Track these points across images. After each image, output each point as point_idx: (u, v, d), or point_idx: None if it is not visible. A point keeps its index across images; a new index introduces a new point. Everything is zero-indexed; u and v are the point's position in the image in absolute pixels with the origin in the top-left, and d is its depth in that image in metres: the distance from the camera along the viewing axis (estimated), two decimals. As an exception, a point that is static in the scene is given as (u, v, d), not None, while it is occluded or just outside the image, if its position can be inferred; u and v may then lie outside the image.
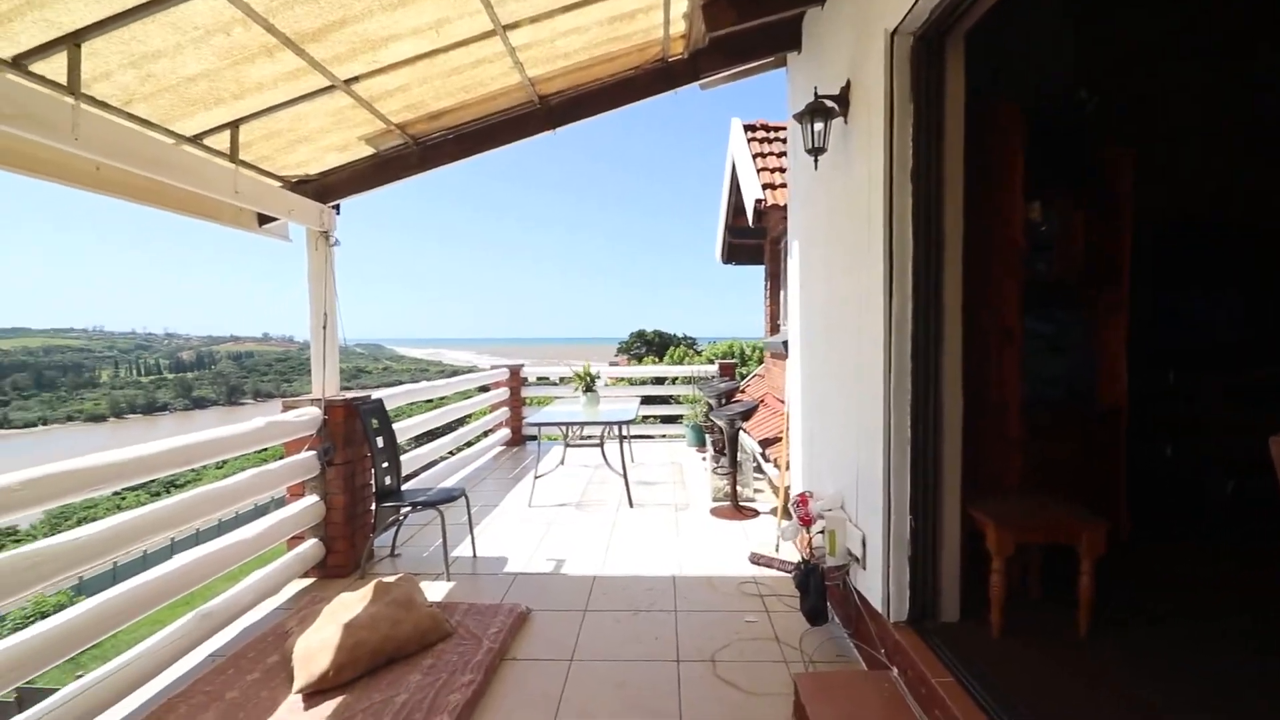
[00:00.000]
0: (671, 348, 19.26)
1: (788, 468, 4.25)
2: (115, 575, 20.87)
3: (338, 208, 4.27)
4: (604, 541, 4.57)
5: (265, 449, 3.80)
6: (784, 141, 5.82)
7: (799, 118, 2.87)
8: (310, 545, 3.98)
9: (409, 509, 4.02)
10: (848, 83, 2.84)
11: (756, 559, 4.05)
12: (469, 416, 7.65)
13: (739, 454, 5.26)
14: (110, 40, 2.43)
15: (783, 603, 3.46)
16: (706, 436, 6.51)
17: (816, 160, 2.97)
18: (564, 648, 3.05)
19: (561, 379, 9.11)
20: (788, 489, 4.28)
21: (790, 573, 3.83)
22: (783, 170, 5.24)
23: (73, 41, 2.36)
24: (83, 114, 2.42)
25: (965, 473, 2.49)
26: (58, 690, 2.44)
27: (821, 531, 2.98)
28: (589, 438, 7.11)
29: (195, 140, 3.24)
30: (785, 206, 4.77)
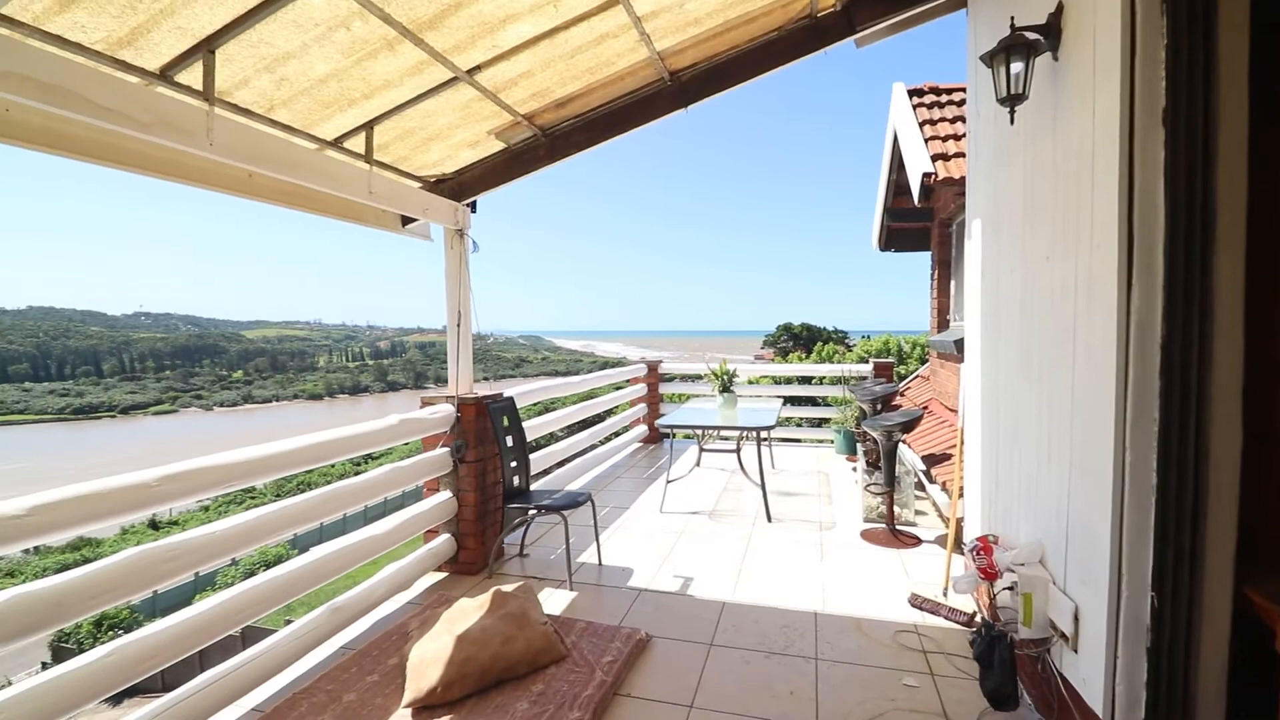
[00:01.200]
0: (820, 344, 18.09)
1: (960, 495, 3.52)
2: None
3: (473, 206, 4.23)
4: (737, 560, 4.13)
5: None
6: (959, 104, 4.94)
7: (989, 59, 2.22)
8: (442, 541, 3.98)
9: (532, 513, 3.87)
10: (1059, 5, 2.14)
11: (919, 602, 3.39)
12: (605, 413, 7.55)
13: (897, 468, 4.55)
14: (241, 44, 2.43)
15: (952, 664, 2.81)
16: (859, 445, 5.80)
17: (1013, 113, 2.30)
18: (684, 688, 2.67)
19: (698, 375, 8.75)
20: (959, 521, 3.55)
21: (962, 624, 3.14)
22: (957, 138, 4.41)
23: (207, 48, 2.38)
24: (216, 120, 2.45)
25: (1241, 537, 1.74)
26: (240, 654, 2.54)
27: (1011, 588, 2.32)
28: (726, 438, 6.67)
29: (336, 144, 3.28)
30: (961, 180, 3.98)
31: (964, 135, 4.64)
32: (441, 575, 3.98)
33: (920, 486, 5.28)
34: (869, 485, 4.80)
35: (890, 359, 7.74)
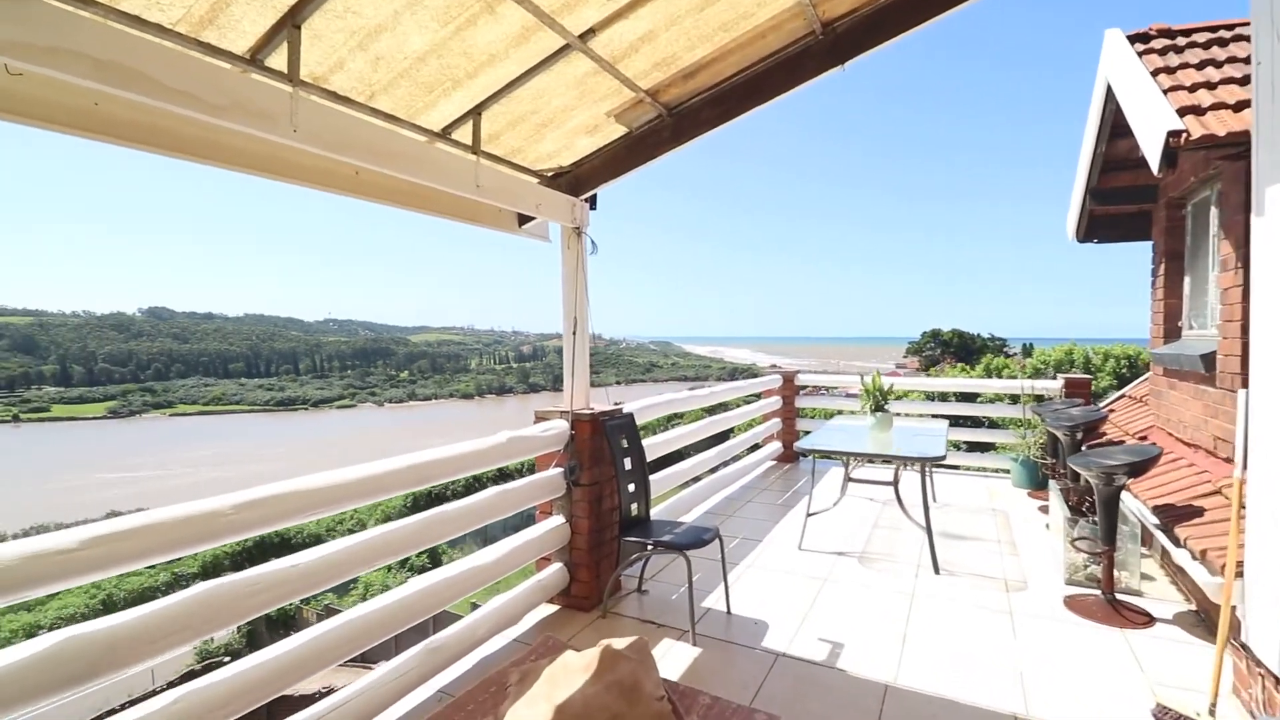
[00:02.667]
0: (980, 354, 16.04)
1: (1238, 575, 2.48)
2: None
3: (592, 202, 3.80)
4: (898, 623, 3.32)
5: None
6: (1204, 47, 3.72)
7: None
8: (554, 571, 3.56)
9: (650, 549, 3.33)
10: None
11: (1170, 719, 2.41)
12: (734, 429, 6.88)
13: (1117, 520, 3.47)
14: (326, 16, 2.13)
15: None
16: (1051, 481, 4.68)
17: None
18: (840, 819, 1.99)
19: (829, 386, 7.79)
20: (1234, 612, 2.50)
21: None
22: (1210, 86, 3.26)
23: (291, 23, 2.10)
24: (302, 103, 2.16)
25: None
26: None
27: None
28: (879, 464, 5.75)
29: (444, 135, 2.96)
30: (1227, 138, 2.91)
31: (1217, 84, 3.48)
32: (553, 609, 3.56)
33: (1144, 541, 4.09)
34: (1076, 539, 3.74)
35: (1084, 375, 6.34)
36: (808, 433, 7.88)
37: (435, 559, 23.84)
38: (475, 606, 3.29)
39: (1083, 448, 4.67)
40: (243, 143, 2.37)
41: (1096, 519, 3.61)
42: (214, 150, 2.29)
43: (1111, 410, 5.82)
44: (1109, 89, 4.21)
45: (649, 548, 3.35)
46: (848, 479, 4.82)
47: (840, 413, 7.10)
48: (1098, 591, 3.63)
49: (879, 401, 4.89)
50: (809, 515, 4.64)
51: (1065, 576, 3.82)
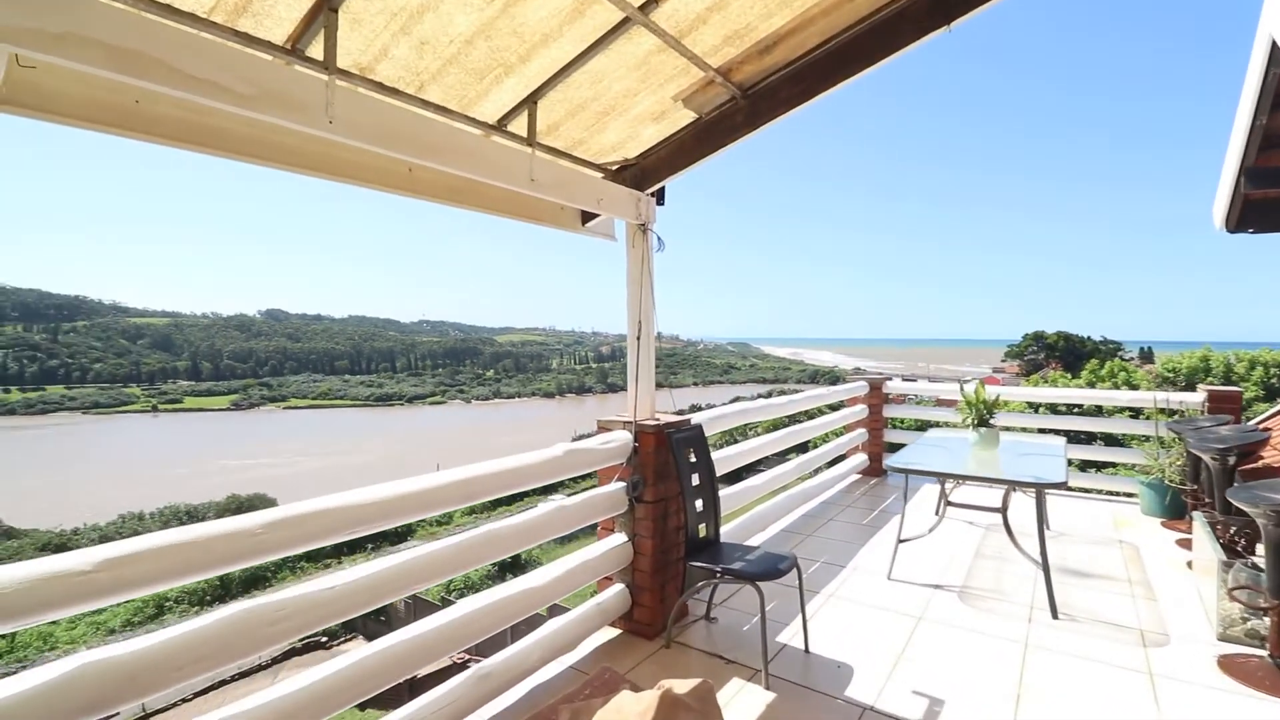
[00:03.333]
0: (1094, 360, 14.50)
1: None
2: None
3: (659, 196, 3.51)
4: (1010, 679, 2.82)
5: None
6: None
7: None
8: (615, 593, 3.30)
9: (718, 577, 3.00)
10: None
11: None
12: (813, 441, 6.39)
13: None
14: (363, -5, 1.95)
15: None
16: (1195, 512, 3.97)
17: None
18: None
19: (921, 396, 7.11)
20: None
21: None
22: None
23: (327, 6, 1.94)
24: (339, 92, 2.00)
25: None
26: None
27: None
28: (984, 486, 5.13)
29: (499, 128, 2.77)
30: None
31: None
32: (613, 634, 3.30)
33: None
34: (1233, 588, 3.08)
35: (1229, 388, 5.43)
36: (897, 446, 7.28)
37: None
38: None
39: (1236, 475, 3.93)
40: (297, 141, 2.25)
41: (1260, 563, 2.96)
42: (263, 149, 2.18)
43: (1266, 428, 4.92)
44: (1273, 47, 3.48)
45: (717, 575, 3.02)
46: (946, 501, 4.28)
47: (935, 425, 6.47)
48: (1262, 652, 2.97)
49: (983, 415, 4.32)
50: (900, 541, 4.15)
51: (1218, 631, 3.17)
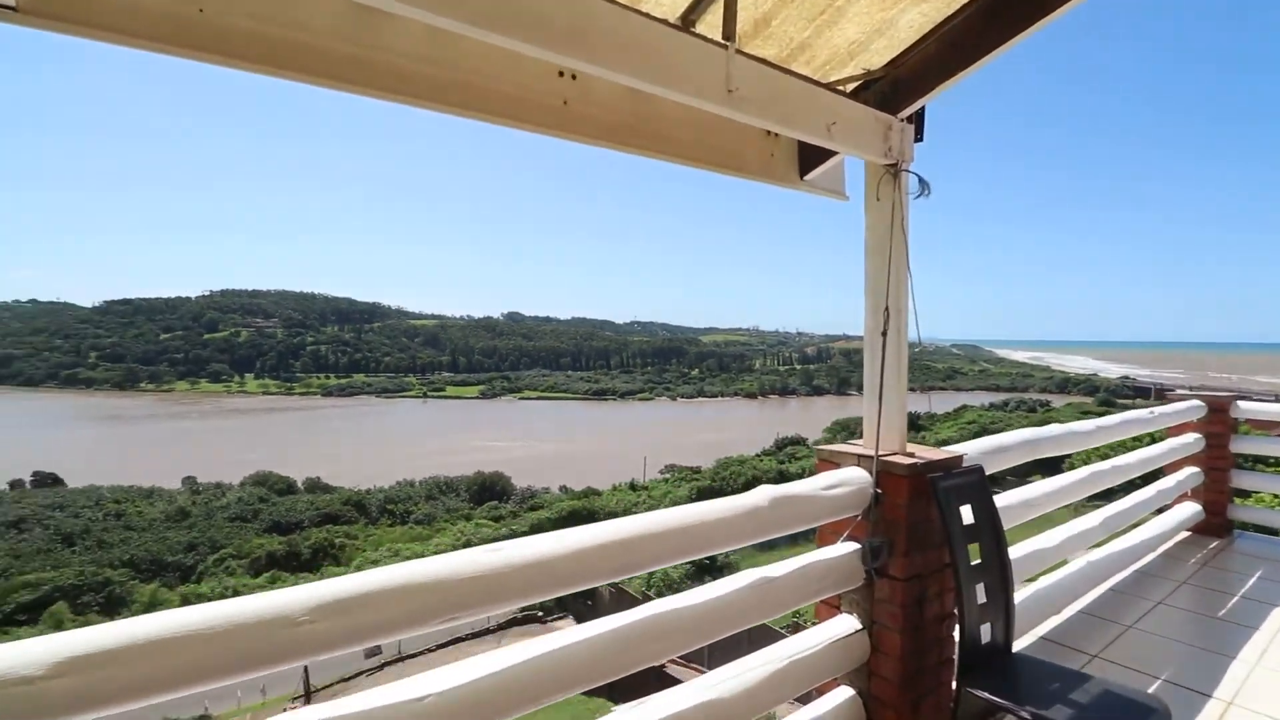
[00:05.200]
0: None
1: None
2: None
3: (917, 123, 2.34)
4: None
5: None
6: None
7: None
8: (838, 706, 2.22)
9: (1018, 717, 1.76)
10: None
11: None
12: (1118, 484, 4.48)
13: None
14: None
15: None
16: None
17: None
18: None
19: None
20: None
21: None
22: None
23: None
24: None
25: None
26: None
27: None
28: None
29: (684, 26, 1.87)
30: None
31: None
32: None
33: None
34: None
35: None
36: (1250, 494, 4.98)
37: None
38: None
39: None
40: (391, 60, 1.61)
41: None
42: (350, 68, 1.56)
43: None
44: None
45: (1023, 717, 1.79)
46: None
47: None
48: None
49: None
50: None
51: None
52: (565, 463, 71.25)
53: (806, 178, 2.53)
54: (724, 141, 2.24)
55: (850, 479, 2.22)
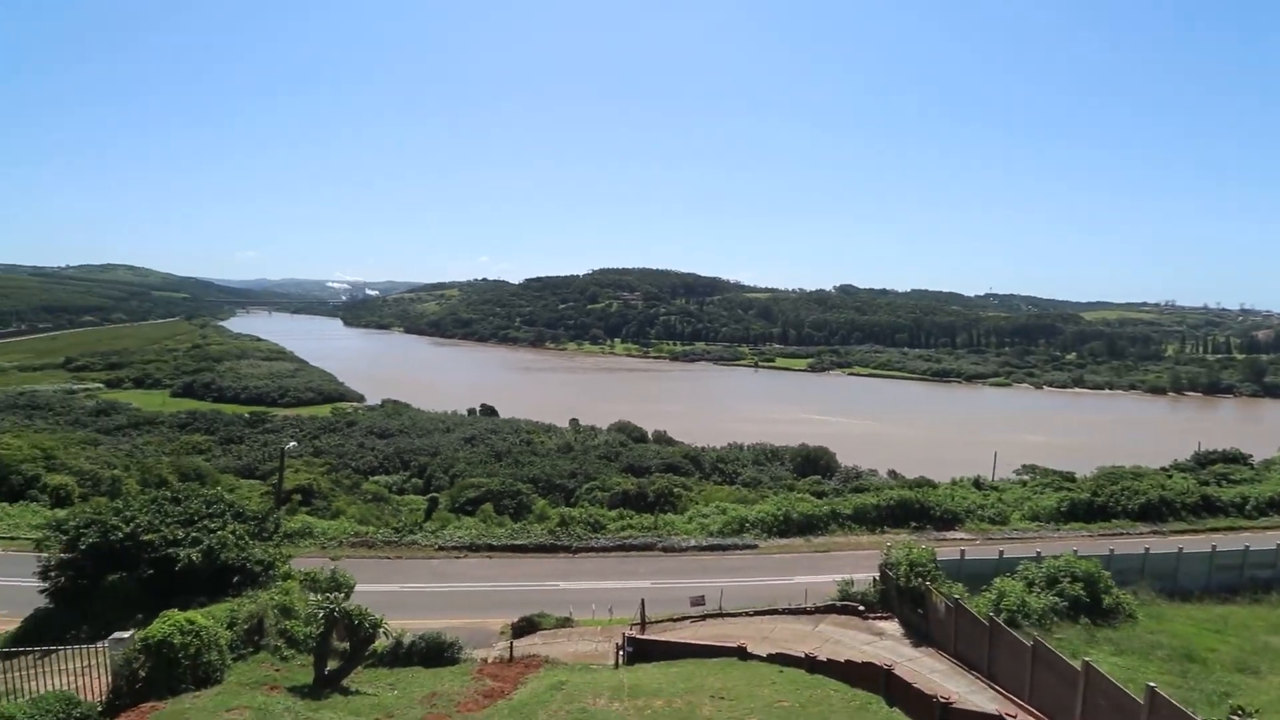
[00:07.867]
0: None
1: None
2: None
3: None
4: None
5: None
6: None
7: None
8: None
9: None
10: None
11: None
12: None
13: None
14: None
15: None
16: None
17: None
18: None
19: None
20: None
21: None
22: None
23: None
24: None
25: None
26: None
27: None
28: None
29: None
30: None
31: None
32: None
33: None
34: None
35: None
36: None
37: None
38: None
39: None
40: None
41: None
42: None
43: None
44: None
45: None
46: None
47: None
48: None
49: None
50: None
51: None
52: (895, 445, 65.47)
53: None
54: None
55: None
